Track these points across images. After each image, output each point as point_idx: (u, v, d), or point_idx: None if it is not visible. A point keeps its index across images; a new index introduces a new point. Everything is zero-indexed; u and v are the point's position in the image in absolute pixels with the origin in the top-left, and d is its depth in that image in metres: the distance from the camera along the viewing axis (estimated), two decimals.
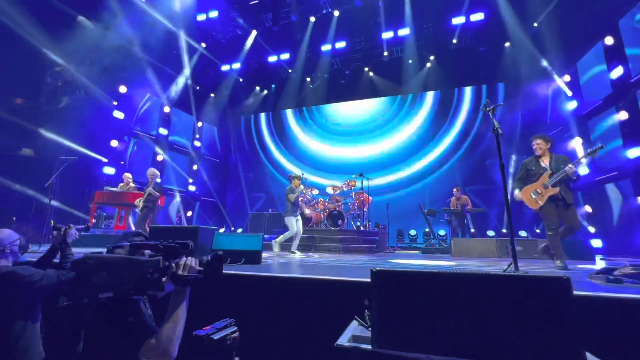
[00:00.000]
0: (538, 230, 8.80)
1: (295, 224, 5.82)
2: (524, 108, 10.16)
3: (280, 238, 6.04)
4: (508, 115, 10.21)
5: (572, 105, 8.62)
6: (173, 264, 1.31)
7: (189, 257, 1.37)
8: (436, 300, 1.43)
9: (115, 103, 10.01)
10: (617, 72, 7.00)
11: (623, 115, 6.82)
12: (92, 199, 7.25)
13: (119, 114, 9.96)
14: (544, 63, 9.09)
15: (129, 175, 7.79)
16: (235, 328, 1.97)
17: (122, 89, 10.12)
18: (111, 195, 7.17)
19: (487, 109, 2.80)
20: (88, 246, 5.82)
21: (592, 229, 7.77)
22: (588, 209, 8.06)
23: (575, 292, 1.26)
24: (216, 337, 1.79)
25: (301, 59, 11.42)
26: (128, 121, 10.38)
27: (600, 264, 4.69)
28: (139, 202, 5.95)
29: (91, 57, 9.40)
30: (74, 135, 9.12)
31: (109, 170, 9.51)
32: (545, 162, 3.66)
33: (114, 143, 9.81)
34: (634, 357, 1.64)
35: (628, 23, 6.95)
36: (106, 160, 9.58)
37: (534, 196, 3.58)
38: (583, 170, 7.83)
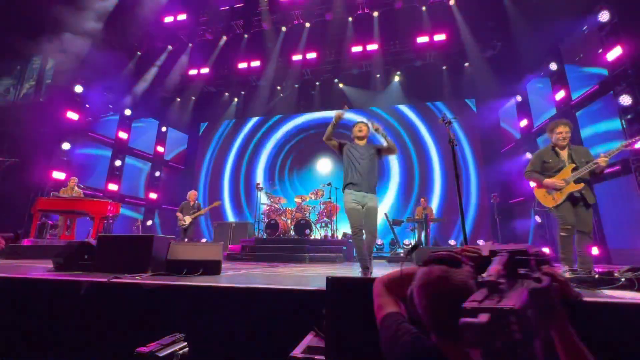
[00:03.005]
0: (493, 241, 9.30)
1: None
2: (482, 123, 10.88)
3: None
4: (470, 129, 10.89)
5: (523, 122, 9.35)
6: None
7: None
8: None
9: (69, 103, 9.32)
10: (560, 94, 7.72)
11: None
12: (35, 206, 6.61)
13: (72, 115, 9.26)
14: (498, 83, 9.82)
15: (75, 179, 7.26)
16: (185, 343, 1.85)
17: (78, 89, 9.46)
18: (58, 202, 6.59)
19: (444, 122, 2.94)
20: (27, 258, 5.26)
21: (540, 238, 8.36)
22: (538, 219, 8.70)
23: None
24: (161, 354, 1.65)
25: (272, 67, 11.41)
26: (83, 123, 9.69)
27: None
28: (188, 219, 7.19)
29: (46, 50, 8.73)
30: (19, 134, 8.34)
31: (59, 175, 8.76)
32: (563, 154, 3.20)
33: (66, 146, 9.09)
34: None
35: (569, 49, 7.74)
36: (55, 165, 8.83)
37: (550, 192, 3.16)
38: None
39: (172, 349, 1.73)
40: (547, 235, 8.23)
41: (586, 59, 7.40)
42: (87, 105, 9.80)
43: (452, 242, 9.99)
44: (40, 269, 3.54)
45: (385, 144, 3.45)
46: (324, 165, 12.11)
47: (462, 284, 0.78)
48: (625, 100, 5.84)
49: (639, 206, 5.67)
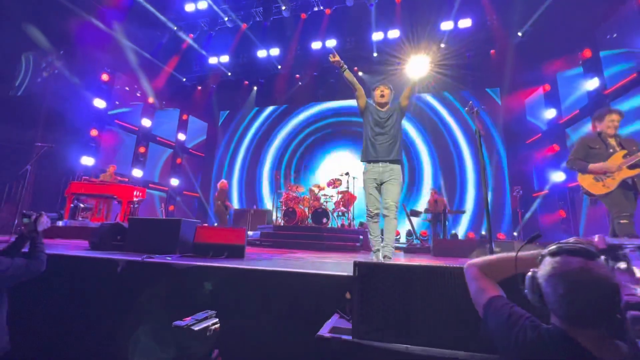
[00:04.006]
0: (516, 234, 9.09)
1: None
2: (506, 113, 10.51)
3: None
4: (493, 119, 10.55)
5: (551, 113, 8.96)
6: None
7: None
8: (415, 292, 1.47)
9: (96, 91, 9.67)
10: (594, 83, 7.33)
11: None
12: (69, 189, 6.98)
13: (100, 103, 9.62)
14: (527, 72, 9.40)
15: (114, 166, 7.78)
16: (216, 320, 1.97)
17: (105, 77, 9.79)
18: (89, 186, 6.93)
19: (471, 111, 2.88)
20: (61, 238, 5.61)
21: (564, 232, 8.11)
22: (562, 214, 8.42)
23: None
24: (196, 328, 1.77)
25: (291, 55, 11.35)
26: (109, 111, 10.05)
27: None
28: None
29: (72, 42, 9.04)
30: (51, 122, 8.76)
31: (87, 161, 9.18)
32: (612, 141, 3.05)
33: (94, 132, 9.49)
34: None
35: (604, 36, 7.29)
36: (85, 151, 9.25)
37: (599, 179, 2.96)
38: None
39: (206, 324, 1.85)
40: (572, 229, 7.97)
41: (623, 46, 6.96)
42: (115, 93, 10.13)
43: (471, 234, 9.85)
44: (78, 247, 3.78)
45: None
46: (342, 155, 12.10)
47: (605, 276, 0.83)
48: None
49: None
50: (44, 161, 8.09)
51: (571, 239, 0.98)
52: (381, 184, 3.08)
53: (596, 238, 1.01)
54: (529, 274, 0.99)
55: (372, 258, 3.14)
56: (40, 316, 2.66)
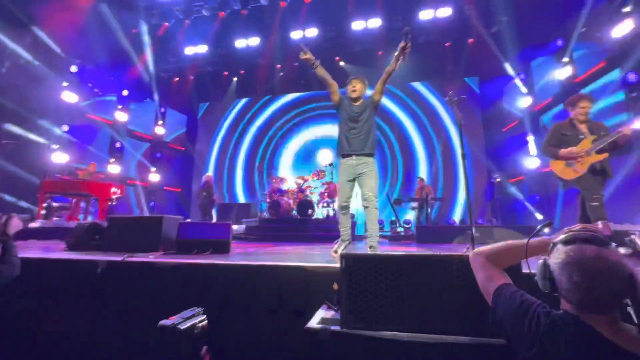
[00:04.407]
0: (494, 219, 9.44)
1: None
2: (484, 101, 10.78)
3: None
4: (470, 108, 10.79)
5: (526, 101, 9.26)
6: None
7: None
8: (400, 281, 1.51)
9: (65, 84, 9.17)
10: (566, 71, 7.61)
11: None
12: (41, 188, 6.65)
13: (69, 96, 9.13)
14: (503, 61, 9.62)
15: (94, 163, 7.58)
16: (204, 317, 1.95)
17: (74, 69, 9.27)
18: (63, 184, 6.63)
19: (451, 101, 2.93)
20: (36, 239, 5.37)
21: (539, 216, 8.50)
22: (537, 198, 8.81)
23: (524, 271, 1.38)
24: (183, 326, 1.75)
25: (271, 45, 11.11)
26: (80, 104, 9.57)
27: None
28: None
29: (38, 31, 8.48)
30: (17, 118, 8.26)
31: (61, 158, 8.76)
32: (583, 127, 3.14)
33: (65, 128, 9.03)
34: None
35: (575, 27, 7.54)
36: (56, 147, 8.81)
37: (570, 164, 3.08)
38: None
39: (193, 322, 1.83)
40: (546, 213, 8.36)
41: (594, 36, 7.23)
42: (87, 85, 9.64)
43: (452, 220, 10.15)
44: (54, 249, 3.63)
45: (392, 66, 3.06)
46: (326, 146, 12.09)
47: (619, 263, 0.85)
48: (632, 77, 5.78)
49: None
50: (12, 159, 7.68)
51: (577, 226, 1.00)
52: (356, 177, 3.14)
53: (600, 225, 1.05)
54: (540, 261, 1.02)
55: (335, 247, 3.18)
56: (17, 322, 2.55)
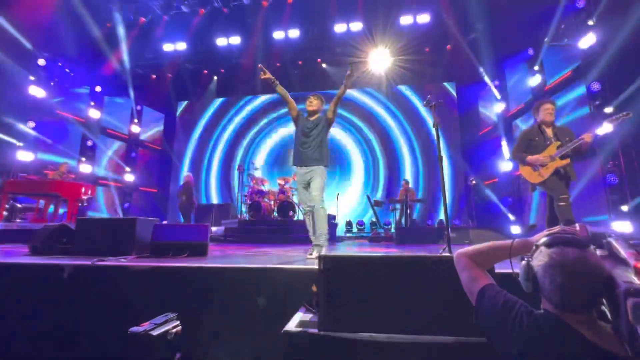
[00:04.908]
0: (470, 221, 9.75)
1: None
2: (461, 106, 11.14)
3: None
4: (449, 112, 11.13)
5: (500, 107, 9.64)
6: None
7: None
8: (378, 282, 1.52)
9: (32, 78, 8.66)
10: (536, 79, 7.99)
11: None
12: (3, 188, 6.24)
13: (36, 91, 8.63)
14: (479, 67, 9.98)
15: (67, 163, 7.27)
16: (178, 322, 1.88)
17: (41, 62, 8.78)
18: (28, 183, 6.25)
19: (429, 105, 3.00)
20: (3, 242, 5.03)
21: (512, 217, 8.86)
22: (509, 200, 9.18)
23: (496, 270, 1.43)
24: (155, 333, 1.69)
25: (253, 45, 10.98)
26: (49, 100, 9.07)
27: None
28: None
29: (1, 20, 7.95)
30: None
31: (25, 156, 8.25)
32: (549, 132, 3.31)
33: (31, 124, 8.52)
34: None
35: (545, 36, 7.95)
36: (21, 144, 8.29)
37: (536, 169, 3.26)
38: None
39: (166, 328, 1.77)
40: (519, 214, 8.72)
41: (562, 46, 7.64)
42: (55, 80, 9.14)
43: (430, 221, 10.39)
44: (15, 253, 3.40)
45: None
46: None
47: (598, 265, 0.89)
48: (595, 86, 6.15)
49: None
50: None
51: (556, 228, 1.04)
52: (308, 184, 3.35)
53: (577, 227, 1.09)
54: (523, 262, 1.04)
55: (312, 252, 3.18)
56: None
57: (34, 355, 2.27)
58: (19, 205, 7.39)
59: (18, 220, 7.06)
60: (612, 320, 0.91)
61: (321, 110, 3.56)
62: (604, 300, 0.92)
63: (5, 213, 6.55)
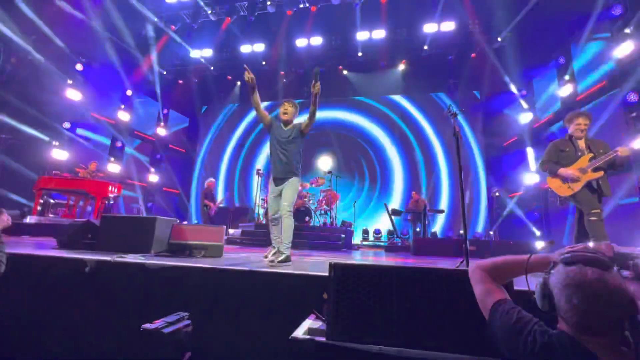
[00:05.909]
0: (492, 233, 9.39)
1: None
2: (485, 116, 10.82)
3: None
4: (472, 122, 10.84)
5: (527, 117, 9.29)
6: None
7: None
8: (390, 293, 1.47)
9: (70, 82, 9.23)
10: (567, 89, 7.65)
11: None
12: (37, 184, 6.64)
13: (74, 94, 9.19)
14: (505, 76, 9.69)
15: (95, 163, 7.66)
16: (189, 322, 1.91)
17: (79, 67, 9.35)
18: (60, 180, 6.61)
19: (450, 113, 2.93)
20: (30, 235, 5.33)
21: (537, 232, 8.44)
22: (535, 214, 8.76)
23: (515, 288, 1.36)
24: (167, 330, 1.72)
25: (276, 52, 11.22)
26: (85, 103, 9.61)
27: None
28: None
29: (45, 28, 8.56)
30: (20, 114, 8.28)
31: (60, 155, 8.76)
32: (581, 144, 3.14)
33: (66, 125, 9.06)
34: None
35: (578, 46, 7.62)
36: (56, 144, 8.82)
37: (566, 182, 3.07)
38: None
39: (177, 327, 1.80)
40: (545, 228, 8.30)
41: (595, 55, 7.29)
42: (90, 84, 9.70)
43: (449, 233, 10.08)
44: (45, 246, 3.59)
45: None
46: (325, 155, 12.10)
47: (620, 288, 0.83)
48: (632, 97, 5.80)
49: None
50: (12, 154, 7.68)
51: (579, 246, 0.97)
52: (280, 194, 3.36)
53: (603, 246, 1.02)
54: (540, 280, 0.99)
55: (266, 253, 3.32)
56: (1, 320, 2.50)
57: (49, 343, 2.37)
58: (52, 201, 7.83)
59: (50, 215, 7.48)
60: (634, 346, 0.83)
61: (295, 117, 3.54)
62: (627, 325, 0.85)
63: (39, 208, 6.95)
